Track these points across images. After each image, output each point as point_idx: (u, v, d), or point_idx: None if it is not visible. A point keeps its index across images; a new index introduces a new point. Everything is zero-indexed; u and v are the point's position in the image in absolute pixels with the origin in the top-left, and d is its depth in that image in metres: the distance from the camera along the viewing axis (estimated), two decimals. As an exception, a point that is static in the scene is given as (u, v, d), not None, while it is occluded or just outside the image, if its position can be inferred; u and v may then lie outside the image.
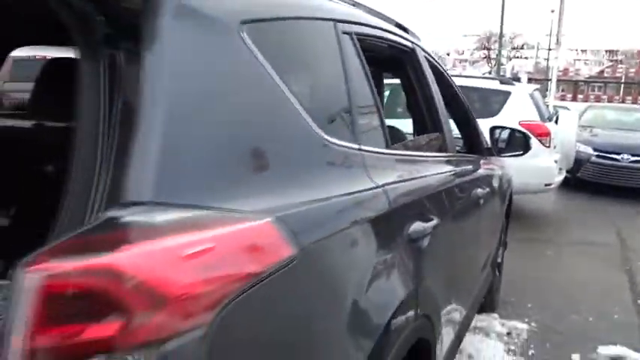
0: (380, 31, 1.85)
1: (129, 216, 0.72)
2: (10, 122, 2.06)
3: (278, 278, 0.84)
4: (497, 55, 34.36)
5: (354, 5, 1.72)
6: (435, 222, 1.59)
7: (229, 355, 0.74)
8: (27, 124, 1.92)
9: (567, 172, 7.95)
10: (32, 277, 0.63)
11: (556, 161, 6.64)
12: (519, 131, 3.23)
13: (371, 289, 1.13)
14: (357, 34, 1.56)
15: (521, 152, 3.11)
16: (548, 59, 30.73)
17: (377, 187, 1.31)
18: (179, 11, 0.92)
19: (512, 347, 3.34)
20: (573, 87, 35.86)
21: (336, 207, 1.10)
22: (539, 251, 5.47)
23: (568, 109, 11.76)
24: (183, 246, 0.71)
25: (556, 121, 7.21)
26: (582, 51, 37.54)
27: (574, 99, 31.21)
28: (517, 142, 3.16)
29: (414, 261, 1.41)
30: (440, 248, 1.65)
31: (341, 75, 1.38)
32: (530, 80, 17.21)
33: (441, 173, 1.96)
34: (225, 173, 0.89)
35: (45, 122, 1.95)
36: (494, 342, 3.39)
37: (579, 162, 8.41)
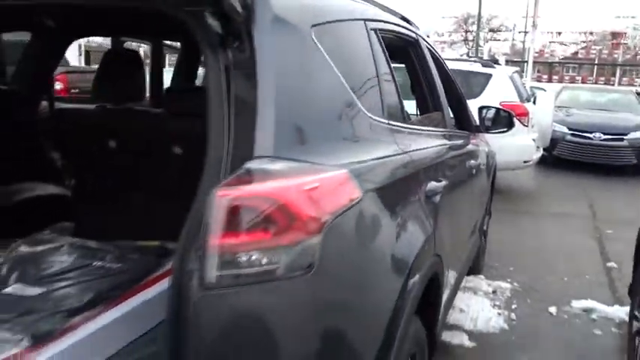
0: (392, 25, 2.20)
1: (262, 165, 1.08)
2: (79, 105, 2.37)
3: (352, 211, 1.20)
4: (475, 36, 34.85)
5: (373, 4, 2.06)
6: (444, 183, 1.97)
7: (330, 253, 1.10)
8: (92, 106, 2.23)
9: (544, 150, 8.45)
10: (221, 199, 0.98)
11: (534, 140, 7.10)
12: (504, 110, 3.61)
13: (405, 228, 1.51)
14: (380, 29, 1.91)
15: (506, 129, 3.50)
16: (524, 41, 31.27)
17: (403, 153, 1.68)
18: (273, 20, 1.26)
19: (498, 303, 3.77)
20: (549, 68, 36.60)
21: (380, 165, 1.46)
22: (517, 221, 5.95)
23: (544, 90, 12.25)
24: (303, 184, 1.07)
25: (534, 102, 7.67)
26: (558, 33, 38.21)
27: (549, 80, 31.94)
28: (502, 120, 3.54)
29: (430, 212, 1.79)
30: (447, 205, 2.03)
31: (372, 65, 1.74)
32: (507, 62, 17.67)
33: (444, 145, 2.34)
34: (311, 139, 1.24)
35: (106, 104, 2.26)
36: (481, 299, 3.81)
37: (555, 140, 8.92)
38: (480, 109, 3.61)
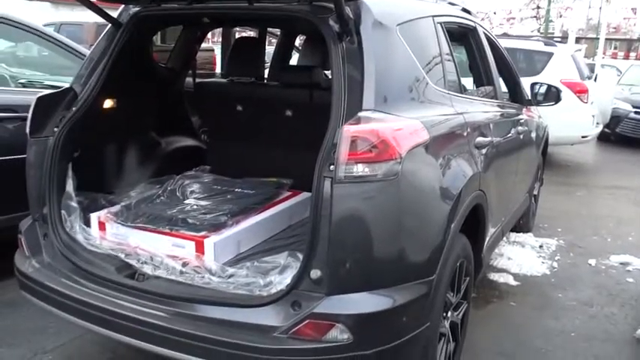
0: (454, 17, 2.83)
1: (368, 114, 1.78)
2: (213, 79, 3.17)
3: (421, 147, 1.89)
4: (546, 12, 33.72)
5: (441, 3, 2.71)
6: (489, 139, 2.61)
7: (407, 171, 1.78)
8: (223, 80, 3.02)
9: (606, 127, 8.68)
10: (346, 132, 1.70)
11: (593, 116, 7.43)
12: (553, 86, 4.12)
13: (457, 165, 2.18)
14: (444, 22, 2.57)
15: (554, 102, 4.02)
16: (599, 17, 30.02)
17: (458, 114, 2.34)
18: (373, 22, 1.96)
19: (542, 255, 4.34)
20: (627, 45, 34.93)
21: (440, 120, 2.14)
22: (571, 192, 6.39)
23: (616, 68, 12.15)
24: (393, 126, 1.78)
25: (595, 80, 7.94)
26: (632, 9, 36.22)
27: (626, 57, 30.58)
28: (551, 95, 4.06)
29: (477, 158, 2.44)
30: (492, 156, 2.67)
31: (437, 50, 2.40)
32: (578, 40, 17.37)
33: (492, 111, 2.96)
34: (396, 101, 1.93)
35: (234, 79, 3.03)
36: (528, 251, 4.39)
37: (618, 118, 9.12)
38: (533, 84, 4.15)
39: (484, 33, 3.26)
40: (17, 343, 2.69)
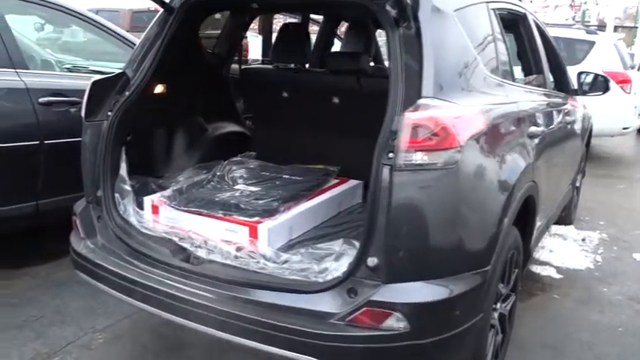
0: (506, 3, 2.77)
1: (429, 101, 1.76)
2: (259, 65, 3.17)
3: (479, 136, 1.85)
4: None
5: None
6: (542, 128, 2.55)
7: (465, 159, 1.75)
8: (269, 66, 3.02)
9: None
10: (407, 119, 1.69)
11: (635, 107, 7.21)
12: (601, 75, 4.01)
13: (512, 155, 2.14)
14: (497, 8, 2.51)
15: (601, 92, 3.91)
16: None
17: (512, 102, 2.29)
18: (432, 8, 1.93)
19: (585, 248, 4.25)
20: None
21: (496, 108, 2.10)
22: (612, 184, 6.23)
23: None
24: (453, 114, 1.75)
25: (638, 69, 7.69)
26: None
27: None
28: (598, 85, 3.95)
29: (530, 147, 2.39)
30: (543, 146, 2.61)
31: (491, 36, 2.35)
32: (616, 28, 16.85)
33: (544, 100, 2.89)
34: (454, 87, 1.90)
35: (280, 65, 3.03)
36: (570, 244, 4.31)
37: (660, 109, 8.82)
38: (579, 74, 4.04)
39: (533, 20, 3.18)
40: (68, 321, 2.76)
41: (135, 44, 3.54)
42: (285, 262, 1.93)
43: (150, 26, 2.50)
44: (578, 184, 4.71)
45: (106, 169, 2.31)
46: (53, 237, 3.07)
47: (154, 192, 2.53)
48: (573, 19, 30.64)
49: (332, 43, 4.21)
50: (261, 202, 2.25)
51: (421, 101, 1.76)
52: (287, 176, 2.61)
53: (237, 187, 2.47)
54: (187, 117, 2.88)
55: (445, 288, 1.77)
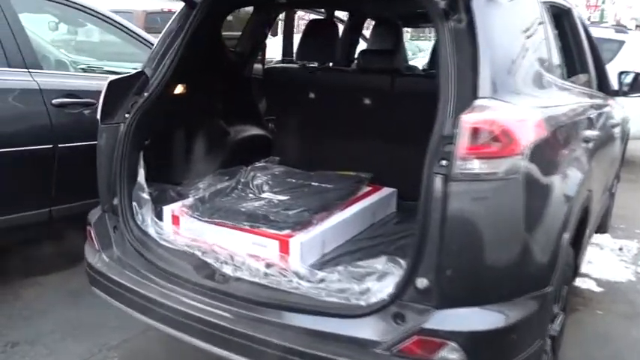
0: (553, -2, 2.55)
1: (489, 102, 1.55)
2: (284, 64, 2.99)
3: (541, 141, 1.64)
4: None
5: None
6: (595, 132, 2.34)
7: (527, 167, 1.55)
8: (295, 65, 2.83)
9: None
10: (465, 122, 1.48)
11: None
12: (643, 74, 3.77)
13: (571, 162, 1.93)
14: (545, 1, 2.29)
15: (644, 93, 3.67)
16: (658, 4, 28.47)
17: (567, 103, 2.08)
18: None
19: (624, 258, 4.01)
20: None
21: (554, 110, 1.89)
22: (645, 190, 5.96)
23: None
24: (518, 117, 1.54)
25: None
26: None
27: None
28: (639, 85, 3.71)
29: (585, 154, 2.18)
30: (594, 151, 2.39)
31: (543, 32, 2.13)
32: (637, 27, 16.47)
33: (594, 102, 2.67)
34: (512, 88, 1.69)
35: (307, 63, 2.84)
36: (608, 254, 4.07)
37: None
38: (620, 73, 3.80)
39: (578, 16, 2.96)
40: (81, 336, 2.59)
41: (152, 44, 3.44)
42: (322, 281, 1.74)
43: (170, 22, 2.33)
44: (613, 190, 4.47)
45: (122, 176, 2.15)
46: (65, 243, 2.92)
47: (173, 200, 2.36)
48: (589, 19, 30.17)
49: (357, 42, 4.02)
50: (291, 212, 2.06)
51: (479, 102, 1.56)
52: (316, 184, 2.42)
53: (263, 195, 2.28)
54: (208, 119, 2.70)
55: (504, 314, 1.56)
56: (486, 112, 1.53)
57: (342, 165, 2.64)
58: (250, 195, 2.27)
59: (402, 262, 1.69)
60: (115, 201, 2.15)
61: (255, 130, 2.96)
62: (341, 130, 2.75)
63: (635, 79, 3.79)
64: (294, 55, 2.83)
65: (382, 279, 1.69)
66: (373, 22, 3.98)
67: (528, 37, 1.90)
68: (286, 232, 1.94)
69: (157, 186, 2.36)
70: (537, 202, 1.64)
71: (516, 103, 1.65)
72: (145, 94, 2.20)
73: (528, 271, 1.64)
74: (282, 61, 3.79)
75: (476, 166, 1.49)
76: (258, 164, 2.68)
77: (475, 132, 1.49)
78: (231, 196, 2.26)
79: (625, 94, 3.76)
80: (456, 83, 1.62)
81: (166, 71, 2.22)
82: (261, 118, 3.04)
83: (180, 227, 2.12)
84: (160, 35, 2.34)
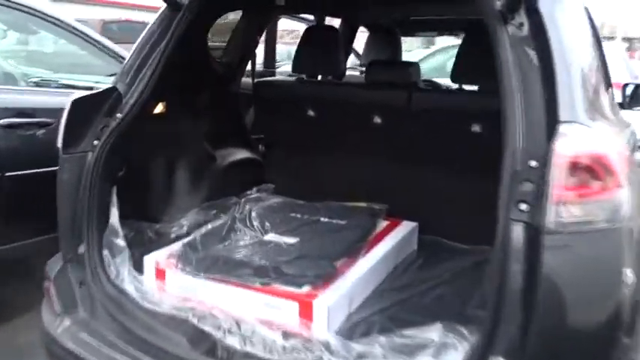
0: None
1: (574, 128, 1.21)
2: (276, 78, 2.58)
3: (632, 173, 1.31)
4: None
5: None
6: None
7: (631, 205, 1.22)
8: (289, 79, 2.44)
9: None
10: (559, 155, 1.13)
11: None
12: (645, 86, 3.56)
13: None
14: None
15: (646, 106, 3.45)
16: None
17: (628, 124, 1.78)
18: None
19: None
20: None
21: (628, 135, 1.58)
22: None
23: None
24: (617, 147, 1.21)
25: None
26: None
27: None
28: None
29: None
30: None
31: (599, 45, 1.83)
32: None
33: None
34: (589, 108, 1.35)
35: (304, 76, 2.47)
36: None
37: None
38: (624, 85, 3.59)
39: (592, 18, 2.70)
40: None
41: (118, 54, 2.99)
42: (361, 357, 1.35)
43: (148, 28, 1.91)
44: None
45: (91, 217, 1.72)
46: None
47: (151, 243, 1.94)
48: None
49: (349, 53, 3.66)
50: (307, 261, 1.66)
51: (568, 129, 1.21)
52: (325, 219, 2.03)
53: (267, 237, 1.87)
54: (192, 143, 2.28)
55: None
56: (585, 142, 1.19)
57: (347, 194, 2.27)
58: (252, 238, 1.86)
59: (465, 331, 1.33)
60: (81, 249, 1.72)
61: (243, 154, 2.55)
62: (346, 153, 2.38)
63: (635, 90, 3.59)
64: (293, 66, 2.44)
65: (440, 354, 1.31)
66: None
67: (591, 46, 1.58)
68: (306, 289, 1.54)
69: (130, 225, 1.93)
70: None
71: (602, 127, 1.31)
72: (119, 115, 1.78)
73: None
74: (264, 74, 3.39)
75: (573, 211, 1.14)
76: (251, 195, 2.28)
77: (573, 167, 1.14)
78: (229, 241, 1.84)
79: (629, 106, 3.55)
80: (523, 104, 1.28)
81: (145, 87, 1.81)
82: (250, 139, 2.63)
83: (167, 283, 1.69)
84: (135, 44, 1.92)
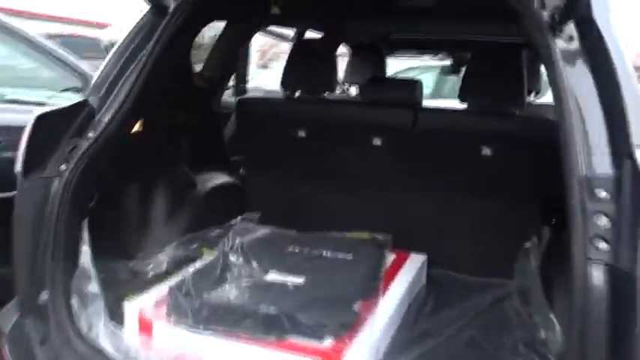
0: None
1: None
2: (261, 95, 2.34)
3: None
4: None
5: None
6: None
7: None
8: (276, 96, 2.21)
9: None
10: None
11: None
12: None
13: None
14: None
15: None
16: None
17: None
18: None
19: None
20: None
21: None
22: None
23: None
24: None
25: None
26: None
27: None
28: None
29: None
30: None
31: None
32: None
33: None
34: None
35: (294, 94, 2.25)
36: None
37: None
38: None
39: None
40: None
41: (74, 66, 2.67)
42: None
43: (127, 36, 1.65)
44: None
45: (56, 257, 1.42)
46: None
47: (127, 286, 1.64)
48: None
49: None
50: (323, 307, 1.42)
51: None
52: (328, 253, 1.80)
53: (269, 277, 1.61)
54: (171, 167, 2.00)
55: None
56: None
57: (343, 223, 2.04)
58: (251, 278, 1.59)
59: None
60: (44, 297, 1.42)
61: (224, 178, 2.28)
62: (341, 178, 2.17)
63: None
64: (282, 82, 2.21)
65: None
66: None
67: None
68: (329, 341, 1.30)
69: (101, 264, 1.63)
70: None
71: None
72: (91, 134, 1.50)
73: None
74: (237, 91, 3.13)
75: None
76: (238, 225, 2.01)
77: None
78: (226, 283, 1.56)
79: None
80: (586, 126, 1.12)
81: (123, 101, 1.54)
82: (229, 161, 2.36)
83: (155, 338, 1.39)
84: (111, 53, 1.65)
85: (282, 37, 3.17)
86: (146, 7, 1.67)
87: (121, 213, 1.82)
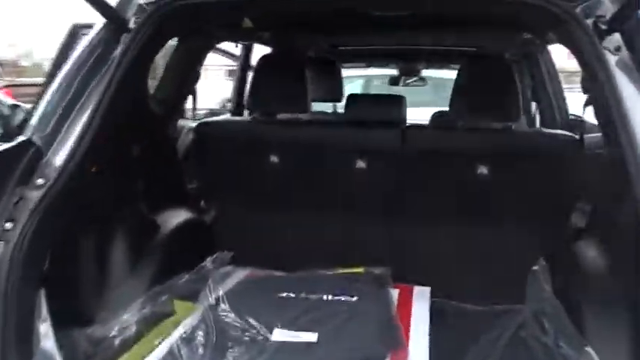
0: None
1: None
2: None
3: None
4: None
5: None
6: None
7: None
8: (241, 118, 1.97)
9: None
10: None
11: None
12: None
13: None
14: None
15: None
16: None
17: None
18: None
19: None
20: None
21: None
22: None
23: None
24: None
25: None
26: None
27: None
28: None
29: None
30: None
31: None
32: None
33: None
34: None
35: (260, 115, 2.01)
36: None
37: None
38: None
39: None
40: None
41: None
42: None
43: (77, 56, 1.34)
44: None
45: (7, 344, 1.11)
46: None
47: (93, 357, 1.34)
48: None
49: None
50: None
51: None
52: (329, 297, 1.58)
53: (276, 337, 1.36)
54: (127, 208, 1.69)
55: None
56: None
57: (326, 257, 1.85)
58: (255, 340, 1.32)
59: None
60: None
61: (187, 214, 1.99)
62: (321, 207, 1.96)
63: None
64: (248, 103, 1.97)
65: None
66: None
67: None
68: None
69: (63, 335, 1.31)
70: None
71: None
72: (40, 181, 1.20)
73: None
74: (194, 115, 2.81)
75: None
76: (213, 271, 1.75)
77: None
78: (225, 350, 1.28)
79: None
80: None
81: (81, 136, 1.24)
82: (189, 195, 2.07)
83: None
84: (58, 80, 1.34)
85: (229, 54, 2.90)
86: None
87: (73, 270, 1.50)
